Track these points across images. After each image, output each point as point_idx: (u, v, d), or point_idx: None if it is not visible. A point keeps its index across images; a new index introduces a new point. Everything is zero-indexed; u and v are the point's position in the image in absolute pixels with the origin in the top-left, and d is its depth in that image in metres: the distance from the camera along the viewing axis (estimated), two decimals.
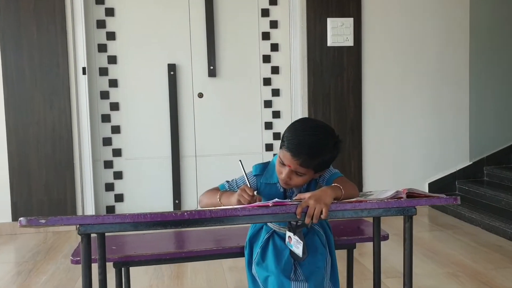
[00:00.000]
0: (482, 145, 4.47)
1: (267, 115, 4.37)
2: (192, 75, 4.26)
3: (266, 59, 4.33)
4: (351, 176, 4.29)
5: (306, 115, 4.22)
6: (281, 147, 1.62)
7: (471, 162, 4.46)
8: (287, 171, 1.60)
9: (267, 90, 4.35)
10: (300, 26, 4.17)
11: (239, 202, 1.54)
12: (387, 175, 4.36)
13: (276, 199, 1.48)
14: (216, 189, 1.74)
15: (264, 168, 1.76)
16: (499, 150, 4.48)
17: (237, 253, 1.96)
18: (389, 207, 1.50)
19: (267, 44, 4.32)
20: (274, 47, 4.33)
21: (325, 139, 1.58)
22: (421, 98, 4.39)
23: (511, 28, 4.46)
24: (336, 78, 4.23)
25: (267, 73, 4.34)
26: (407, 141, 4.38)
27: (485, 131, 4.47)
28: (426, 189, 4.42)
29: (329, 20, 4.18)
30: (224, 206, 1.61)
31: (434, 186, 4.41)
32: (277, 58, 4.35)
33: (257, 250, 1.78)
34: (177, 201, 4.28)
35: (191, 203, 4.33)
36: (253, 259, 1.79)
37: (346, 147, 4.28)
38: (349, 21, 4.20)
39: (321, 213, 1.45)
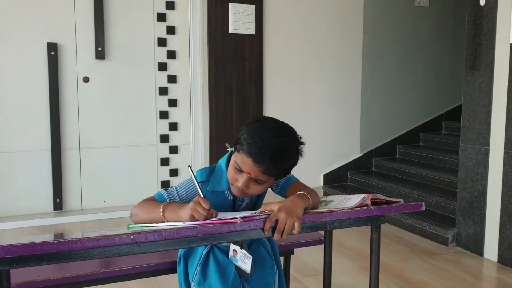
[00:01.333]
0: (371, 138, 4.63)
1: (163, 103, 4.02)
2: (76, 57, 3.74)
3: (162, 42, 3.97)
4: None
5: (207, 105, 3.97)
6: (237, 151, 1.37)
7: (361, 154, 4.60)
8: (245, 179, 1.36)
9: (163, 76, 4.00)
10: (200, 9, 3.89)
11: (192, 218, 1.25)
12: None
13: (243, 213, 1.24)
14: (153, 201, 1.43)
15: (210, 174, 1.49)
16: (386, 142, 4.69)
17: (165, 270, 1.67)
18: (359, 217, 1.34)
19: (162, 26, 3.96)
20: (171, 30, 3.98)
21: (289, 142, 1.37)
22: (319, 92, 4.40)
23: (402, 26, 4.67)
24: (238, 67, 4.03)
25: (163, 58, 3.98)
26: (305, 135, 4.35)
27: (374, 125, 4.63)
28: (321, 181, 4.47)
29: (230, 5, 3.95)
30: (169, 222, 1.31)
31: (329, 177, 4.48)
32: (174, 42, 4.01)
33: (195, 268, 1.52)
34: (58, 200, 3.75)
35: (74, 202, 3.83)
36: (192, 279, 1.52)
37: None
38: (251, 8, 4.02)
39: (293, 227, 1.25)
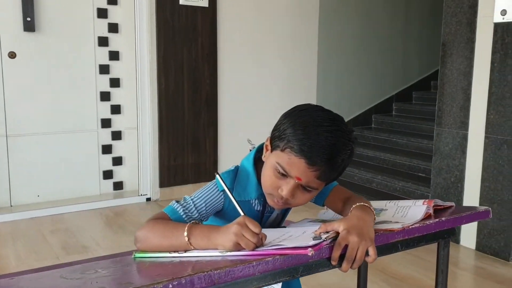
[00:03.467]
0: None
1: (104, 83, 3.53)
2: None
3: (102, 13, 3.46)
4: (207, 158, 3.81)
5: (155, 86, 3.54)
6: (280, 149, 1.05)
7: None
8: (292, 186, 1.04)
9: (103, 52, 3.51)
10: None
11: (237, 247, 0.92)
12: (243, 154, 3.99)
13: (294, 232, 0.93)
14: (166, 220, 1.06)
15: (233, 179, 1.16)
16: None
17: None
18: (431, 232, 1.08)
19: None
20: (112, 0, 3.49)
21: (347, 137, 1.06)
22: (275, 71, 4.11)
23: (357, 6, 4.48)
24: (190, 43, 3.62)
25: (103, 31, 3.48)
26: (262, 117, 4.08)
27: (330, 106, 4.43)
28: None
29: None
30: (198, 250, 0.96)
31: None
32: (116, 13, 3.51)
33: None
34: None
35: (2, 198, 3.27)
36: None
37: (201, 124, 3.75)
38: None
39: (366, 253, 0.96)
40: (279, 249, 0.89)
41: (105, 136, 3.58)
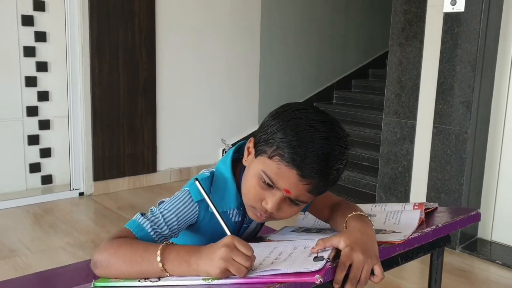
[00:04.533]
0: (269, 108, 4.31)
1: (29, 67, 3.18)
2: None
3: None
4: (145, 148, 3.57)
5: (88, 70, 3.24)
6: (267, 155, 0.90)
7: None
8: (279, 199, 0.90)
9: (28, 32, 3.15)
10: None
11: (226, 273, 0.77)
12: (183, 145, 3.80)
13: (313, 260, 0.79)
14: (131, 239, 0.88)
15: (208, 188, 0.99)
16: None
17: None
18: (428, 241, 0.98)
19: None
20: None
21: (344, 144, 0.92)
22: (216, 58, 3.93)
23: None
24: (126, 25, 3.35)
25: (28, 9, 3.12)
26: (202, 106, 3.89)
27: (272, 95, 4.34)
28: (219, 156, 4.06)
29: None
30: (175, 277, 0.79)
31: None
32: None
33: None
34: None
35: None
36: None
37: (138, 112, 3.50)
38: None
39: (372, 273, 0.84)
40: (278, 276, 0.75)
41: (32, 126, 3.24)
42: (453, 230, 1.03)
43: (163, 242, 0.86)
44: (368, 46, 5.07)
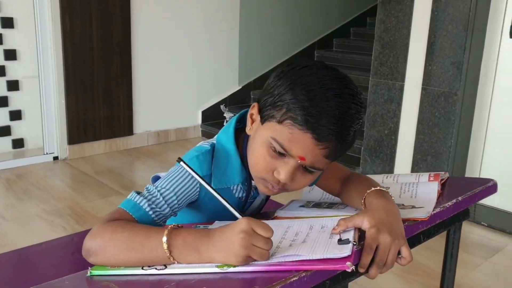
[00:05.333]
0: (250, 69, 4.20)
1: None
2: None
3: None
4: (120, 112, 3.42)
5: (59, 26, 3.04)
6: (276, 120, 0.81)
7: (240, 87, 4.16)
8: (293, 167, 0.81)
9: None
10: None
11: (248, 260, 0.69)
12: (160, 107, 3.65)
13: (338, 243, 0.71)
14: (128, 221, 0.79)
15: (210, 162, 0.89)
16: (264, 74, 4.31)
17: None
18: (450, 216, 0.92)
19: None
20: None
21: (359, 101, 0.82)
22: (194, 14, 3.74)
23: None
24: None
25: None
26: (180, 66, 3.72)
27: (252, 55, 4.19)
28: (199, 119, 3.94)
29: None
30: (184, 264, 0.71)
31: (207, 114, 3.97)
32: None
33: None
34: None
35: None
36: None
37: (114, 74, 3.33)
38: None
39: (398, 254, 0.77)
40: (303, 262, 0.67)
41: None
42: (472, 203, 0.97)
43: (163, 222, 0.78)
44: (349, 3, 4.93)
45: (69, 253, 1.21)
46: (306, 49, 4.63)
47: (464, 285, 1.99)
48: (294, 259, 0.68)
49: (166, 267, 0.71)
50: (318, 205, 0.98)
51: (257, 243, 0.68)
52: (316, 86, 0.79)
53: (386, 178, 1.06)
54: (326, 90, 0.78)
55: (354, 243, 0.73)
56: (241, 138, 0.92)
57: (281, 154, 0.81)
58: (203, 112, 3.94)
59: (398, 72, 2.75)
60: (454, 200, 0.92)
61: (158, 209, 0.82)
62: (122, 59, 3.34)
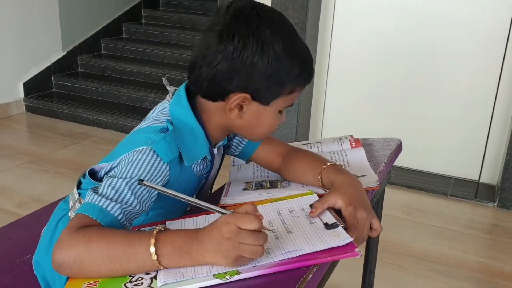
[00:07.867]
0: (74, 32, 3.77)
1: None
2: None
3: None
4: None
5: None
6: (286, 93, 0.83)
7: (65, 52, 3.72)
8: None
9: None
10: None
11: (241, 261, 0.63)
12: None
13: (326, 228, 0.69)
14: (101, 228, 0.68)
15: (175, 144, 0.78)
16: (90, 36, 3.92)
17: None
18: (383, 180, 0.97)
19: None
20: None
21: None
22: None
23: None
24: None
25: None
26: None
27: (75, 15, 3.76)
28: (21, 92, 3.43)
29: None
30: (174, 269, 0.61)
31: (30, 86, 3.47)
32: None
33: None
34: None
35: None
36: None
37: None
38: None
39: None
40: (306, 256, 0.64)
41: None
42: (394, 162, 1.03)
43: (133, 220, 0.73)
44: None
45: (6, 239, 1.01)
46: (133, 8, 4.34)
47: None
48: (296, 255, 0.64)
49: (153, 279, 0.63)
50: (260, 185, 0.93)
51: (245, 240, 0.62)
52: (295, 43, 0.80)
53: (311, 148, 1.05)
54: (298, 42, 0.81)
55: (342, 225, 0.71)
56: (195, 108, 0.84)
57: (280, 112, 0.85)
58: (25, 84, 3.44)
59: None
60: (383, 164, 0.97)
61: (128, 208, 0.71)
62: None
